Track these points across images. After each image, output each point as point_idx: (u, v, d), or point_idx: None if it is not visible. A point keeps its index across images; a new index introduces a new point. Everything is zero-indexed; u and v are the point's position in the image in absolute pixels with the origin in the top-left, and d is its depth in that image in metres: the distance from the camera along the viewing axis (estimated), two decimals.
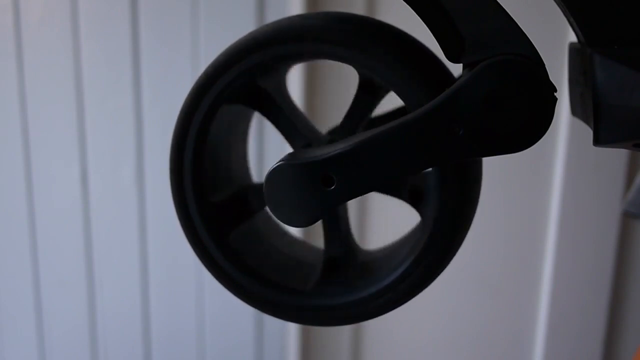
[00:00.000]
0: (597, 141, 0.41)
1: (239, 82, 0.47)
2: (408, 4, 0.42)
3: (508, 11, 0.41)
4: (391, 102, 0.51)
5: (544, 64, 0.40)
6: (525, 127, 0.40)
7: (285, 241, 0.56)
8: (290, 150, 0.51)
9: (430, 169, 0.45)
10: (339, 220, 0.51)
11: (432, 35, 0.42)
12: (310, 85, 1.25)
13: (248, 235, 0.52)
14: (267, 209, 0.54)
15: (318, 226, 0.51)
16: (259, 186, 0.54)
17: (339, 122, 0.54)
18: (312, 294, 0.50)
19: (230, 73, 0.46)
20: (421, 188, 0.50)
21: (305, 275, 0.52)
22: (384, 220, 1.30)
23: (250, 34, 0.46)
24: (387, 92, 0.50)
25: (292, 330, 1.35)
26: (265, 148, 1.30)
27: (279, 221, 0.46)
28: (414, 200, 0.50)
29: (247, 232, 0.52)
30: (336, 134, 0.51)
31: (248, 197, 0.53)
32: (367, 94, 0.49)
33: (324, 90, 1.26)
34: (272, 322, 1.40)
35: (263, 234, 0.54)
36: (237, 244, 0.51)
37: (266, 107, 0.50)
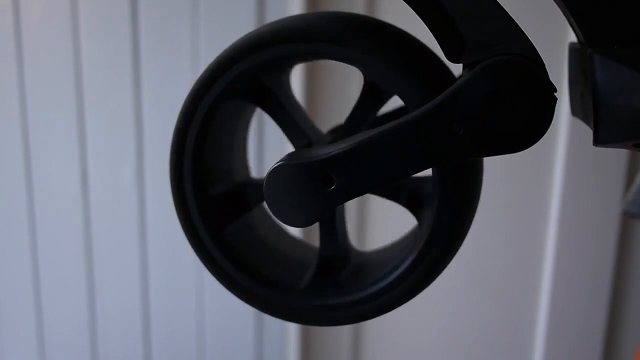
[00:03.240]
0: (597, 141, 0.41)
1: (244, 78, 0.47)
2: (408, 4, 0.42)
3: (508, 11, 0.41)
4: (391, 102, 0.51)
5: (544, 64, 0.40)
6: (525, 127, 0.40)
7: (280, 238, 0.56)
8: (290, 149, 0.51)
9: (430, 170, 0.45)
10: (335, 220, 0.51)
11: (432, 35, 0.42)
12: (311, 85, 1.25)
13: (244, 230, 0.52)
14: (264, 205, 0.54)
15: (316, 225, 0.51)
16: (256, 181, 0.53)
17: (340, 122, 0.54)
18: (305, 293, 0.49)
19: (235, 69, 0.46)
20: (420, 194, 0.50)
21: (298, 274, 0.51)
22: (383, 220, 1.30)
23: (256, 31, 0.46)
24: (390, 96, 0.49)
25: (292, 330, 1.35)
26: (265, 148, 1.30)
27: (275, 218, 0.46)
28: (413, 205, 0.50)
29: (242, 226, 0.52)
30: (337, 134, 0.51)
31: (246, 191, 0.53)
32: (371, 98, 0.49)
33: (325, 90, 1.26)
34: (272, 322, 1.40)
35: (258, 230, 0.54)
36: (233, 238, 0.50)
37: (269, 104, 0.50)
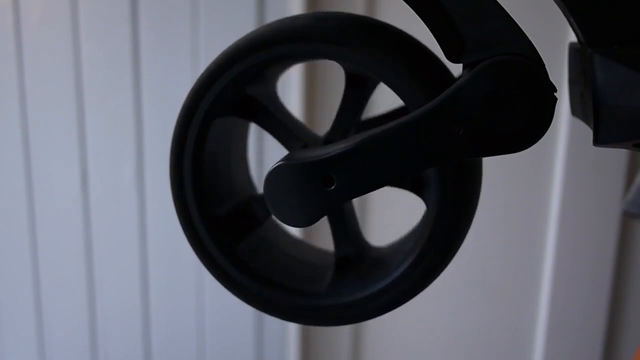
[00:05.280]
0: (597, 141, 0.41)
1: (228, 93, 0.47)
2: (408, 4, 0.42)
3: (508, 11, 0.41)
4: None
5: (544, 64, 0.40)
6: (525, 127, 0.40)
7: (295, 246, 0.56)
8: None
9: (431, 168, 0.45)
10: (346, 219, 0.51)
11: (432, 35, 0.42)
12: (311, 85, 1.25)
13: (257, 245, 0.52)
14: (274, 217, 0.54)
15: (324, 226, 0.51)
16: (262, 196, 0.53)
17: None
18: (328, 294, 0.49)
19: (217, 85, 0.46)
20: (422, 176, 0.50)
21: (318, 278, 0.51)
22: (383, 220, 1.30)
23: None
24: (376, 83, 0.49)
25: (292, 330, 1.35)
26: (265, 149, 1.30)
27: (286, 227, 0.46)
28: (417, 188, 0.50)
29: (255, 241, 0.52)
30: (332, 133, 0.51)
31: (253, 207, 0.53)
32: (356, 88, 0.49)
33: (325, 90, 1.26)
34: (272, 322, 1.40)
35: (272, 242, 0.54)
36: (247, 254, 0.50)
37: (259, 115, 0.50)
